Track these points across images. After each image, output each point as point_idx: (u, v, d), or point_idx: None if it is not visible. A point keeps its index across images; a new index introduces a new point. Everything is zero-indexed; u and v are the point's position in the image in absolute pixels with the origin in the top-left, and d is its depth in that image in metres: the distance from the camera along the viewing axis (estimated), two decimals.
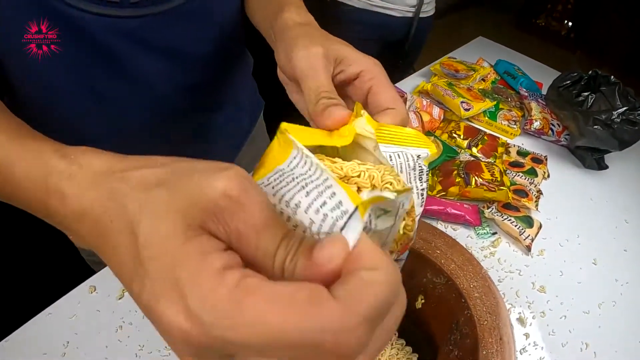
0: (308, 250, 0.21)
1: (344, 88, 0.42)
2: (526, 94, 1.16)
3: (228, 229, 0.22)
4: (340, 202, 0.24)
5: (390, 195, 0.24)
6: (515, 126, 1.07)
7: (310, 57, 0.39)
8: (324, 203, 0.24)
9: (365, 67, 0.40)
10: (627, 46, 2.19)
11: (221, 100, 0.75)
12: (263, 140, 1.01)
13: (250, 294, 0.19)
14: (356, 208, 0.23)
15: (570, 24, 3.03)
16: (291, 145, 0.29)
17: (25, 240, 1.24)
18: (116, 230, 0.23)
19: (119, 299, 0.69)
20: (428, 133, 1.00)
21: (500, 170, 0.90)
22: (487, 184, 0.86)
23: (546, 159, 1.03)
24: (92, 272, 0.72)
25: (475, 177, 0.86)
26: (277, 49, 0.45)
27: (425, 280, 0.57)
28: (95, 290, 0.69)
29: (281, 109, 1.29)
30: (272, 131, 1.04)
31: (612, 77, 1.09)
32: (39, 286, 0.93)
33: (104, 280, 0.71)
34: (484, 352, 0.48)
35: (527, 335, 0.73)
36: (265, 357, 0.19)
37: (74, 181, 0.26)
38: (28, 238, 1.24)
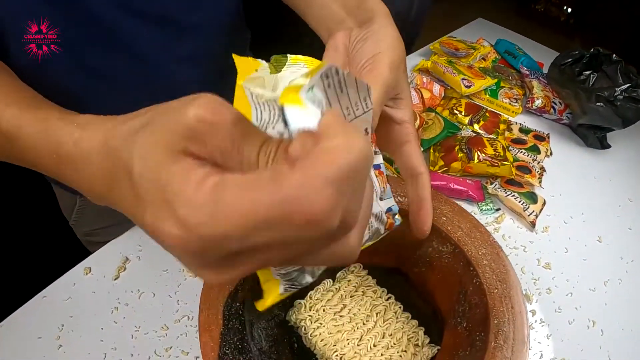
0: (285, 150, 0.22)
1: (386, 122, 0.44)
2: (527, 72, 1.13)
3: (209, 149, 0.23)
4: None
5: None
6: (516, 104, 1.05)
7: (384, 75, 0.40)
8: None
9: (409, 119, 0.43)
10: (626, 32, 2.17)
11: (219, 73, 0.72)
12: None
13: (225, 189, 0.19)
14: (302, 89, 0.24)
15: (569, 10, 3.01)
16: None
17: (20, 223, 1.22)
18: (119, 180, 0.25)
19: (115, 279, 0.66)
20: (429, 109, 0.97)
21: (503, 146, 0.87)
22: (490, 159, 0.83)
23: (548, 137, 1.01)
24: (88, 253, 0.70)
25: (478, 152, 0.84)
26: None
27: (431, 250, 0.55)
28: (90, 271, 0.67)
29: None
30: None
31: (614, 55, 1.06)
32: (34, 269, 0.90)
33: (99, 261, 0.69)
34: (495, 321, 0.46)
35: (533, 312, 0.70)
36: (255, 249, 0.20)
37: (80, 148, 0.28)
38: (23, 221, 1.22)
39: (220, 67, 0.72)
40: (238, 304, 0.46)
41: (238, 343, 0.43)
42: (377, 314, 0.54)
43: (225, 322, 0.43)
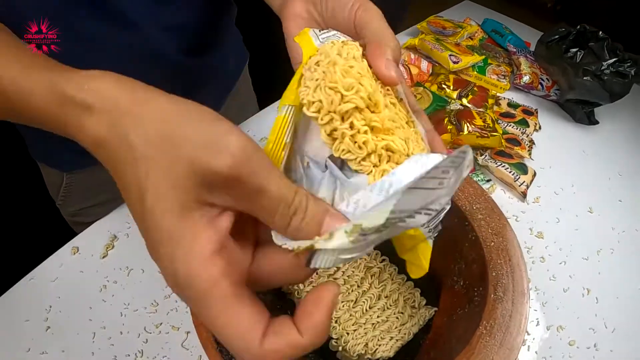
0: (317, 224, 0.25)
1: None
2: (514, 49, 1.12)
3: (231, 201, 0.25)
4: None
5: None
6: (504, 80, 1.04)
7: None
8: None
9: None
10: (612, 18, 2.18)
11: (206, 43, 0.70)
12: (248, 96, 0.97)
13: (218, 300, 0.23)
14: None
15: None
16: None
17: (5, 205, 1.18)
18: (127, 175, 0.25)
19: (103, 257, 0.64)
20: (417, 84, 0.96)
21: (492, 118, 0.86)
22: (479, 130, 0.82)
23: (537, 112, 1.00)
24: (74, 235, 0.67)
25: (467, 124, 0.82)
26: None
27: None
28: (78, 251, 0.65)
29: (266, 63, 1.24)
30: (257, 87, 1.00)
31: (601, 32, 1.06)
32: (20, 252, 0.88)
33: (86, 240, 0.66)
34: (494, 274, 0.44)
35: (528, 280, 0.69)
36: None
37: (89, 113, 0.26)
38: (8, 204, 1.19)
39: (206, 38, 0.69)
40: None
41: None
42: (372, 275, 0.52)
43: None
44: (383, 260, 0.54)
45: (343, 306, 0.49)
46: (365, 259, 0.53)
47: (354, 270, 0.52)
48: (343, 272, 0.52)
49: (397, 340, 0.48)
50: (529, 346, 0.62)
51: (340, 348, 0.48)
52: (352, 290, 0.50)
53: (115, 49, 0.58)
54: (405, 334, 0.49)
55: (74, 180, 0.73)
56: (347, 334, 0.47)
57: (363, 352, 0.46)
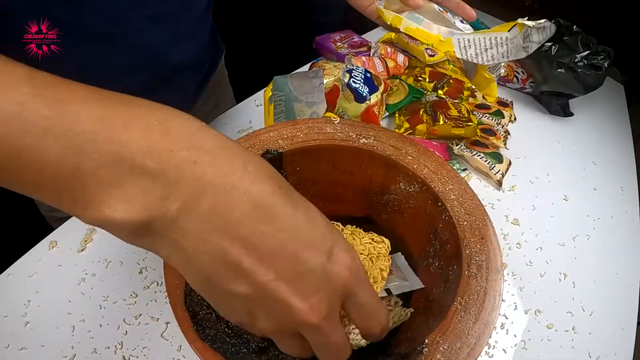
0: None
1: None
2: None
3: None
4: None
5: None
6: None
7: None
8: None
9: None
10: (589, 15, 2.22)
11: (182, 35, 0.69)
12: (225, 89, 0.96)
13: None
14: None
15: None
16: None
17: None
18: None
19: (81, 251, 0.63)
20: (393, 77, 0.96)
21: (467, 109, 0.86)
22: (454, 120, 0.82)
23: (512, 104, 1.01)
24: (51, 230, 0.66)
25: (443, 114, 0.83)
26: None
27: (399, 192, 0.53)
28: (56, 245, 0.64)
29: (243, 57, 1.24)
30: (233, 79, 1.00)
31: (575, 26, 1.07)
32: None
33: (64, 234, 0.65)
34: (467, 252, 0.44)
35: (504, 265, 0.69)
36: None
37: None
38: None
39: (183, 30, 0.69)
40: None
41: None
42: None
43: None
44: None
45: None
46: None
47: None
48: None
49: None
50: (507, 330, 0.62)
51: None
52: None
53: (97, 37, 0.58)
54: None
55: None
56: None
57: None
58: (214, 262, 0.26)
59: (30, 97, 0.23)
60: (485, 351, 0.59)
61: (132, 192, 0.24)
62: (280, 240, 0.26)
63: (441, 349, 0.37)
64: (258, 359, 0.35)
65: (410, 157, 0.51)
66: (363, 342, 0.45)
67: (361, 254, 0.49)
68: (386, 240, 0.51)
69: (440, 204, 0.48)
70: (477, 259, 0.43)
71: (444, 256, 0.47)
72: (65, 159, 0.23)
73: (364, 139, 0.53)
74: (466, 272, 0.42)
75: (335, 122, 0.54)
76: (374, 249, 0.49)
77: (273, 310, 0.27)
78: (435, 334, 0.38)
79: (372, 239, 0.51)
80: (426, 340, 0.37)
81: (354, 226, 0.53)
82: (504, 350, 0.60)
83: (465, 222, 0.46)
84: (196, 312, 0.37)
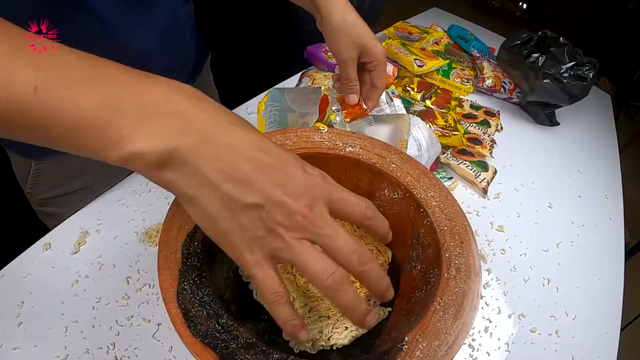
0: None
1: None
2: (478, 54, 1.16)
3: None
4: None
5: None
6: (468, 84, 1.07)
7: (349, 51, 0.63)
8: None
9: (375, 58, 0.65)
10: (580, 27, 2.26)
11: (166, 39, 0.71)
12: (210, 92, 0.98)
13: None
14: None
15: (524, 5, 3.11)
16: None
17: None
18: None
19: (75, 253, 0.64)
20: None
21: (454, 118, 0.89)
22: (441, 129, 0.84)
23: (499, 114, 1.03)
24: (43, 227, 0.68)
25: (430, 123, 0.85)
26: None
27: (383, 199, 0.54)
28: (49, 247, 0.65)
29: (231, 63, 1.26)
30: (219, 82, 1.01)
31: (562, 38, 1.10)
32: None
33: (58, 236, 0.66)
34: (447, 255, 0.46)
35: (489, 271, 0.71)
36: None
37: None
38: None
39: (167, 34, 0.71)
40: (196, 243, 0.44)
41: (197, 279, 0.41)
42: None
43: (184, 259, 0.42)
44: None
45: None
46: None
47: None
48: None
49: (351, 330, 0.48)
50: (491, 333, 0.63)
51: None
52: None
53: (89, 44, 0.60)
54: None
55: (42, 167, 0.73)
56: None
57: (317, 337, 0.47)
58: (227, 179, 0.32)
59: (76, 61, 0.32)
60: (469, 354, 0.61)
61: (157, 128, 0.31)
62: (271, 160, 0.34)
63: (420, 346, 0.39)
64: (247, 353, 0.37)
65: (394, 165, 0.53)
66: (360, 332, 0.47)
67: None
68: (388, 253, 0.54)
69: (422, 210, 0.50)
70: (457, 262, 0.45)
71: (425, 260, 0.49)
72: (103, 107, 0.30)
73: (350, 147, 0.55)
74: (445, 275, 0.44)
75: (323, 131, 0.56)
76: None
77: (279, 213, 0.33)
78: (414, 332, 0.40)
79: (377, 248, 0.55)
80: (406, 338, 0.39)
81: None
82: (487, 353, 0.61)
83: (446, 227, 0.48)
84: (188, 310, 0.39)
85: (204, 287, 0.41)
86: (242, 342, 0.38)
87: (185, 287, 0.41)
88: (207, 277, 0.42)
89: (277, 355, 0.37)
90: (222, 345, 0.37)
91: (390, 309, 0.49)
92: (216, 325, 0.38)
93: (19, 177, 0.77)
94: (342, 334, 0.47)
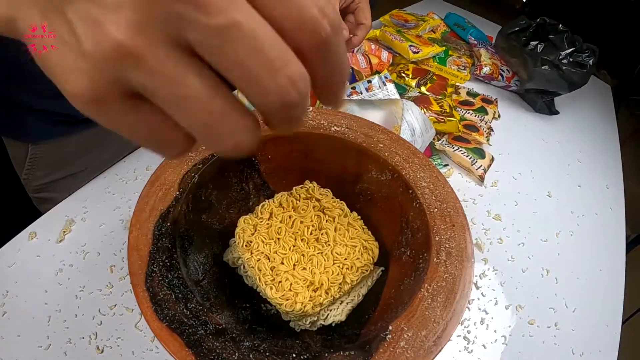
0: None
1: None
2: (475, 42, 1.13)
3: None
4: None
5: None
6: (465, 71, 1.04)
7: None
8: None
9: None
10: (579, 19, 2.24)
11: None
12: None
13: None
14: None
15: None
16: None
17: None
18: None
19: (60, 242, 0.63)
20: (376, 73, 0.95)
21: (450, 105, 0.85)
22: (436, 115, 0.81)
23: (496, 101, 1.00)
24: (37, 214, 0.66)
25: (424, 109, 0.82)
26: None
27: (371, 181, 0.51)
28: (35, 236, 0.63)
29: None
30: None
31: (561, 25, 1.07)
32: None
33: (44, 225, 0.65)
34: (437, 239, 0.42)
35: (485, 260, 0.68)
36: None
37: None
38: None
39: None
40: (169, 224, 0.41)
41: (167, 261, 0.38)
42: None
43: (155, 241, 0.40)
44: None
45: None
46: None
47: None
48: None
49: (347, 303, 0.46)
50: (487, 325, 0.60)
51: (292, 316, 0.45)
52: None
53: None
54: (355, 296, 0.47)
55: (39, 151, 0.72)
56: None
57: (315, 318, 0.45)
58: None
59: None
60: (464, 346, 0.58)
61: None
62: None
63: (405, 336, 0.35)
64: (215, 340, 0.34)
65: (381, 145, 0.50)
66: (354, 303, 0.46)
67: (339, 254, 0.48)
68: (375, 251, 0.49)
69: (411, 191, 0.47)
70: (447, 245, 0.42)
71: (415, 245, 0.46)
72: None
73: (335, 127, 0.51)
74: (435, 259, 0.41)
75: (308, 109, 0.53)
76: (355, 258, 0.48)
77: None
78: (399, 320, 0.36)
79: (363, 244, 0.49)
80: (390, 327, 0.36)
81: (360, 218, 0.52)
82: (483, 345, 0.58)
83: (436, 210, 0.45)
84: (156, 293, 0.36)
85: (174, 269, 0.38)
86: (211, 329, 0.35)
87: (155, 269, 0.38)
88: (178, 259, 0.39)
89: (247, 343, 0.34)
90: (190, 331, 0.34)
91: (382, 268, 0.47)
92: (184, 310, 0.35)
93: (16, 164, 0.76)
94: (338, 310, 0.45)
